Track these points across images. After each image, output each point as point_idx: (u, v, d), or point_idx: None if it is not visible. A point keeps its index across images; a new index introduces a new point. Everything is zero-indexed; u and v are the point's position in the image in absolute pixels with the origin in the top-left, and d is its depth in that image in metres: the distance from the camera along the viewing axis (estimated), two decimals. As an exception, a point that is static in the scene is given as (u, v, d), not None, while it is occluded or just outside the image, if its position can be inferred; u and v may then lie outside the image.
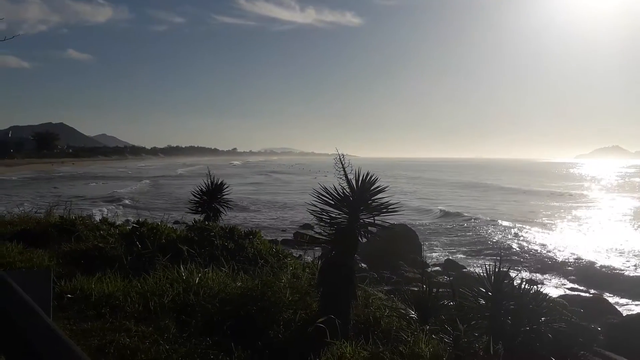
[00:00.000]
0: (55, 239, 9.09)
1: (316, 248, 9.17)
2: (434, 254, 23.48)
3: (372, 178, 5.92)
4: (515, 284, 6.20)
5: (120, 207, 38.06)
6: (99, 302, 5.81)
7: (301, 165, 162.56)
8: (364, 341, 5.12)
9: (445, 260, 21.52)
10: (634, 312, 14.06)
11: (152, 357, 4.56)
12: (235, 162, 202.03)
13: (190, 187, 14.94)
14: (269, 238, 15.09)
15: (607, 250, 24.13)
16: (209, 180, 12.71)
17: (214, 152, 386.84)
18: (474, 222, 33.44)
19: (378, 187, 5.92)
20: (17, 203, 22.51)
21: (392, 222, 6.18)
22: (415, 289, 8.53)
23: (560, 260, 22.01)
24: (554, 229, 31.89)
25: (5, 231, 9.58)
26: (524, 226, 31.36)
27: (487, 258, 21.56)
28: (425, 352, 4.81)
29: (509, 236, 28.27)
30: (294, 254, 10.12)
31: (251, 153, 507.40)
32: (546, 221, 35.32)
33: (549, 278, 19.41)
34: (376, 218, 5.84)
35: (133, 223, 9.73)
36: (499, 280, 5.90)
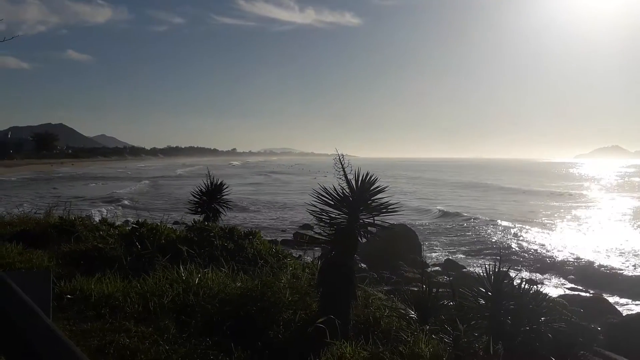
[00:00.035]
0: (54, 239, 9.09)
1: (316, 248, 9.17)
2: (434, 254, 23.48)
3: (372, 178, 5.92)
4: (515, 283, 6.20)
5: (120, 207, 38.04)
6: (99, 302, 5.81)
7: (301, 166, 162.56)
8: (364, 341, 5.12)
9: (445, 260, 21.51)
10: (634, 312, 14.06)
11: (152, 357, 4.56)
12: (235, 163, 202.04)
13: (190, 187, 14.93)
14: (269, 238, 15.08)
15: (606, 250, 24.13)
16: (209, 181, 12.71)
17: (214, 152, 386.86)
18: (473, 222, 33.44)
19: (378, 187, 5.92)
20: (16, 204, 22.53)
21: (391, 222, 6.18)
22: (415, 289, 8.52)
23: (560, 260, 22.02)
24: (553, 228, 31.90)
25: (4, 232, 9.58)
26: (524, 226, 31.37)
27: (486, 258, 21.56)
28: (425, 352, 4.81)
29: (509, 236, 28.27)
30: (293, 254, 10.12)
31: (250, 153, 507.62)
32: (546, 221, 35.33)
33: (549, 278, 19.42)
34: (376, 218, 5.84)
35: (132, 223, 9.72)
36: (499, 280, 5.90)
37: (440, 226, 32.19)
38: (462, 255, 23.48)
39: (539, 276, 19.31)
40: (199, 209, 12.36)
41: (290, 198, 48.95)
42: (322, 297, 5.68)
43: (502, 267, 6.03)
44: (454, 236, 28.50)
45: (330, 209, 5.89)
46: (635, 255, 22.86)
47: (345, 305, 5.55)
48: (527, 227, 31.18)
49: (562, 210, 42.23)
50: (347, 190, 5.85)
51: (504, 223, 32.42)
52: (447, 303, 6.60)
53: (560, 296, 15.14)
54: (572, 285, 18.29)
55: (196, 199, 12.60)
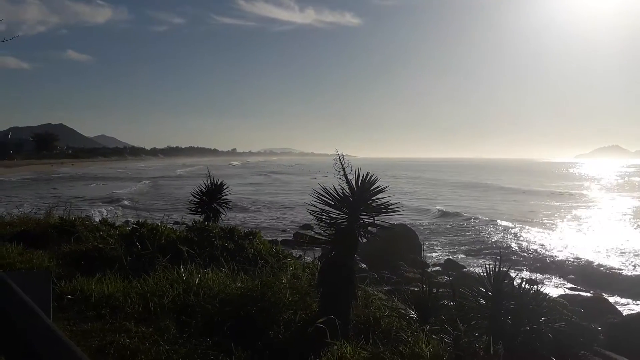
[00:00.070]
0: (55, 240, 9.09)
1: (316, 248, 9.18)
2: (434, 254, 23.47)
3: (372, 178, 5.92)
4: (515, 283, 6.20)
5: (119, 208, 38.03)
6: (99, 303, 5.81)
7: (301, 166, 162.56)
8: (364, 341, 5.12)
9: (445, 260, 21.50)
10: (635, 312, 14.05)
11: (152, 357, 4.56)
12: (235, 163, 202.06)
13: (190, 187, 14.93)
14: (269, 238, 15.09)
15: (607, 249, 24.12)
16: (209, 181, 12.71)
17: (214, 152, 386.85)
18: (473, 222, 33.43)
19: (378, 187, 5.92)
20: (16, 204, 22.54)
21: (392, 222, 6.18)
22: (415, 289, 8.53)
23: (560, 260, 22.00)
24: (553, 228, 31.89)
25: (5, 232, 9.58)
26: (524, 226, 31.35)
27: (487, 258, 21.54)
28: (425, 352, 4.81)
29: (509, 236, 28.26)
30: (294, 255, 10.12)
31: (250, 153, 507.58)
32: (546, 221, 35.32)
33: (549, 278, 19.40)
34: (376, 218, 5.84)
35: (133, 224, 9.72)
36: (499, 280, 5.91)
37: (441, 226, 32.18)
38: (462, 255, 23.46)
39: (539, 276, 19.31)
40: (199, 209, 12.36)
41: (291, 198, 48.94)
42: (323, 297, 5.69)
43: (503, 267, 6.03)
44: (454, 236, 28.49)
45: (331, 209, 5.89)
46: (635, 255, 22.85)
47: (346, 306, 5.55)
48: (527, 227, 31.17)
49: (562, 210, 42.22)
50: (347, 191, 5.86)
51: (504, 223, 32.41)
52: (448, 303, 6.61)
53: (561, 296, 15.13)
54: (573, 285, 18.28)
55: (196, 199, 12.60)
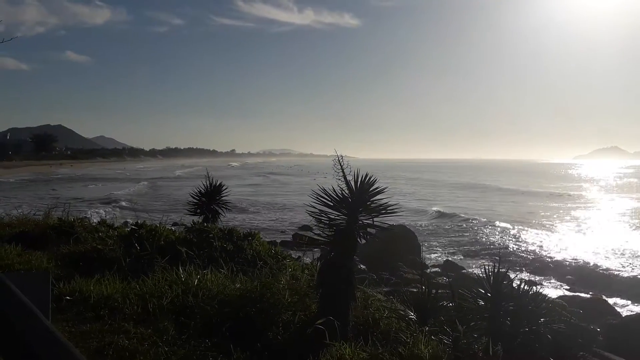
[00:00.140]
0: (53, 241, 9.09)
1: (315, 249, 9.17)
2: (433, 255, 23.47)
3: (371, 179, 5.92)
4: (514, 285, 6.21)
5: (117, 209, 37.99)
6: (98, 304, 5.80)
7: (300, 167, 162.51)
8: (363, 342, 5.12)
9: (444, 261, 21.51)
10: (633, 313, 14.06)
11: (151, 359, 4.55)
12: (234, 164, 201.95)
13: (189, 188, 14.93)
14: (268, 239, 15.08)
15: (606, 251, 24.13)
16: (208, 182, 12.70)
17: (213, 153, 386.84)
18: (472, 223, 33.45)
19: (377, 188, 5.92)
20: (15, 205, 22.52)
21: (391, 223, 6.18)
22: (415, 290, 8.53)
23: (559, 261, 22.01)
24: (552, 229, 31.90)
25: (3, 233, 9.57)
26: (523, 227, 31.38)
27: (486, 259, 21.54)
28: (424, 354, 4.81)
29: (508, 237, 28.28)
30: (293, 256, 10.12)
31: (250, 154, 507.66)
32: (545, 222, 35.34)
33: (548, 279, 19.41)
34: (375, 219, 5.84)
35: (132, 225, 9.72)
36: (498, 281, 5.91)
37: (439, 227, 32.19)
38: (461, 257, 23.47)
39: (538, 277, 19.31)
40: (198, 210, 12.36)
41: (290, 199, 48.93)
42: (322, 298, 5.68)
43: (501, 268, 6.03)
44: (453, 237, 28.50)
45: (330, 210, 5.89)
46: (634, 257, 22.86)
47: (345, 307, 5.55)
48: (526, 228, 31.20)
49: (561, 211, 42.25)
50: (347, 192, 5.86)
51: (503, 224, 32.44)
52: (447, 304, 6.61)
53: (560, 297, 15.14)
54: (571, 287, 18.28)
55: (195, 200, 12.60)
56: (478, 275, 6.30)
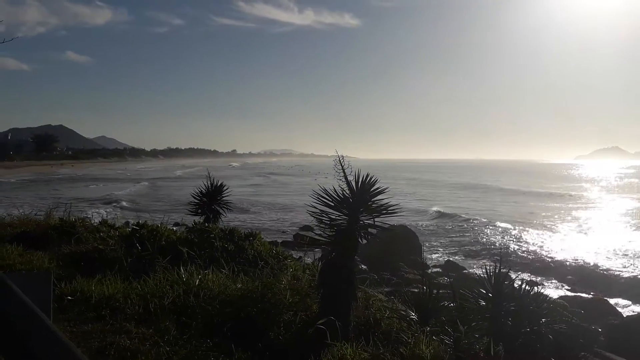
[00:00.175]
0: (55, 241, 9.09)
1: (316, 250, 9.16)
2: (434, 255, 23.47)
3: (372, 179, 5.92)
4: (515, 285, 6.20)
5: (119, 209, 38.01)
6: (99, 304, 5.81)
7: (301, 167, 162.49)
8: (365, 343, 5.12)
9: (445, 261, 21.51)
10: (635, 313, 14.05)
11: (153, 359, 4.55)
12: (234, 164, 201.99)
13: (189, 188, 14.93)
14: (269, 240, 15.07)
15: (607, 251, 24.11)
16: (209, 182, 12.70)
17: (214, 153, 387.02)
18: (473, 223, 33.43)
19: (378, 188, 5.92)
20: (16, 205, 22.49)
21: (392, 223, 6.18)
22: (416, 290, 8.52)
23: (560, 261, 21.99)
24: (553, 230, 31.87)
25: (5, 233, 9.58)
26: (524, 227, 31.36)
27: (487, 259, 21.55)
28: (425, 354, 4.81)
29: (509, 237, 28.26)
30: (294, 256, 10.12)
31: (251, 154, 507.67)
32: (546, 222, 35.31)
33: (549, 279, 19.40)
34: (376, 219, 5.84)
35: (133, 225, 9.72)
36: (500, 281, 5.91)
37: (440, 227, 32.19)
38: (462, 257, 23.47)
39: (539, 277, 19.30)
40: (199, 210, 12.36)
41: (291, 199, 48.94)
42: (323, 299, 5.68)
43: (503, 269, 6.03)
44: (454, 237, 28.49)
45: (331, 211, 5.89)
46: (635, 257, 22.84)
47: (346, 307, 5.55)
48: (527, 228, 31.18)
49: (562, 212, 42.22)
50: (347, 192, 5.86)
51: (504, 224, 32.42)
52: (448, 304, 6.61)
53: (561, 297, 15.13)
54: (573, 287, 18.27)
55: (196, 200, 12.60)
56: (479, 276, 6.29)
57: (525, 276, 18.09)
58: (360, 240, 5.89)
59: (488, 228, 31.21)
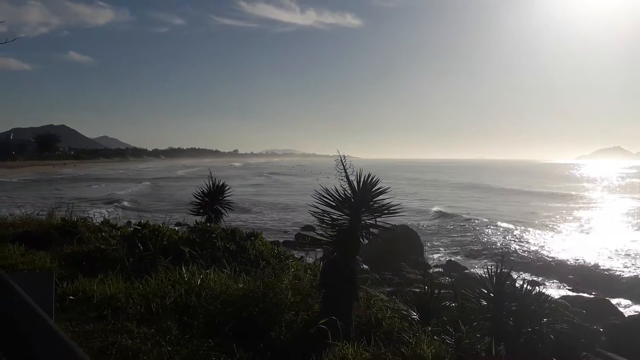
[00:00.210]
0: (57, 240, 9.10)
1: (318, 249, 9.17)
2: (436, 255, 23.46)
3: (374, 179, 5.92)
4: (517, 285, 6.19)
5: (120, 209, 38.05)
6: (101, 303, 5.81)
7: (302, 167, 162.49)
8: (366, 342, 5.12)
9: (446, 261, 21.50)
10: (636, 313, 14.05)
11: (154, 358, 4.56)
12: (236, 164, 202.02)
13: (191, 188, 14.94)
14: (271, 239, 15.09)
15: (608, 251, 24.07)
16: (211, 182, 12.71)
17: (215, 153, 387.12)
18: (475, 223, 33.41)
19: (379, 188, 5.92)
20: (18, 205, 22.54)
21: (393, 223, 6.18)
22: (417, 290, 8.51)
23: (561, 261, 21.97)
24: (555, 230, 31.84)
25: (7, 233, 9.59)
26: (526, 227, 31.32)
27: (488, 259, 21.54)
28: (427, 354, 4.81)
29: (511, 237, 28.23)
30: (295, 256, 10.12)
31: (252, 154, 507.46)
32: (547, 222, 35.27)
33: (551, 279, 19.38)
34: (378, 219, 5.84)
35: (135, 225, 9.73)
36: (501, 281, 5.90)
37: (442, 227, 32.18)
38: (463, 257, 23.46)
39: (540, 277, 19.28)
40: (201, 210, 12.36)
41: (292, 199, 48.94)
42: (324, 299, 5.68)
43: (504, 269, 6.02)
44: (456, 237, 28.49)
45: (332, 210, 5.89)
46: (637, 257, 22.80)
47: (347, 307, 5.55)
48: (528, 228, 31.14)
49: (563, 212, 42.17)
50: (349, 192, 5.86)
51: (506, 224, 32.39)
52: (449, 304, 6.60)
53: (562, 297, 15.12)
54: (574, 287, 18.25)
55: (198, 200, 12.60)
56: (481, 276, 6.29)
57: (527, 276, 18.11)
58: (362, 240, 5.89)
59: (489, 228, 31.19)
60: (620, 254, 23.45)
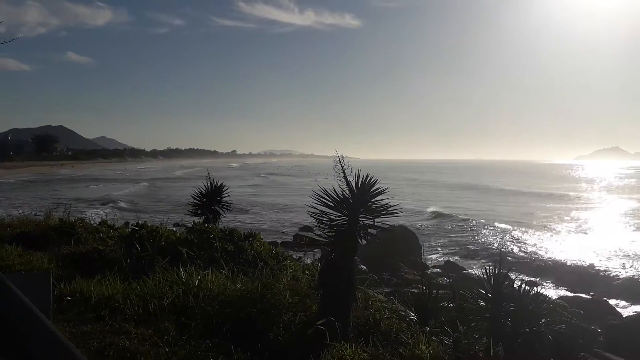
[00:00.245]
0: (54, 241, 9.09)
1: (316, 250, 9.17)
2: (434, 256, 23.47)
3: (372, 180, 5.92)
4: (515, 285, 6.20)
5: (117, 210, 37.99)
6: (99, 304, 5.81)
7: (301, 167, 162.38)
8: (364, 343, 5.12)
9: (445, 261, 21.50)
10: (634, 314, 14.05)
11: (152, 359, 4.55)
12: (234, 164, 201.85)
13: (189, 189, 14.93)
14: (269, 240, 15.07)
15: (606, 251, 24.10)
16: (209, 183, 12.70)
17: (214, 154, 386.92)
18: (473, 223, 33.43)
19: (378, 189, 5.92)
20: (16, 206, 22.49)
21: (391, 223, 6.18)
22: (415, 290, 8.52)
23: (559, 261, 21.99)
24: (553, 230, 31.87)
25: (4, 234, 9.58)
26: (524, 228, 31.36)
27: (486, 260, 21.53)
28: (425, 354, 4.81)
29: (509, 238, 28.25)
30: (293, 256, 10.12)
31: (251, 155, 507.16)
32: (546, 223, 35.30)
33: (549, 280, 19.40)
34: (376, 220, 5.84)
35: (132, 225, 9.72)
36: (499, 281, 5.90)
37: (440, 228, 32.20)
38: (462, 257, 23.47)
39: (538, 278, 19.30)
40: (199, 211, 12.36)
41: (290, 200, 48.93)
42: (322, 299, 5.68)
43: (502, 269, 6.03)
44: (454, 238, 28.50)
45: (330, 211, 5.89)
46: (635, 257, 22.84)
47: (346, 307, 5.55)
48: (527, 228, 31.18)
49: (561, 212, 42.22)
50: (347, 192, 5.86)
51: (504, 225, 32.42)
52: (447, 305, 6.61)
53: (560, 298, 15.13)
54: (572, 287, 18.26)
55: (196, 201, 12.60)
56: (479, 276, 6.29)
57: (525, 276, 18.09)
58: (360, 240, 5.89)
59: (487, 228, 31.21)
60: (618, 255, 23.48)
